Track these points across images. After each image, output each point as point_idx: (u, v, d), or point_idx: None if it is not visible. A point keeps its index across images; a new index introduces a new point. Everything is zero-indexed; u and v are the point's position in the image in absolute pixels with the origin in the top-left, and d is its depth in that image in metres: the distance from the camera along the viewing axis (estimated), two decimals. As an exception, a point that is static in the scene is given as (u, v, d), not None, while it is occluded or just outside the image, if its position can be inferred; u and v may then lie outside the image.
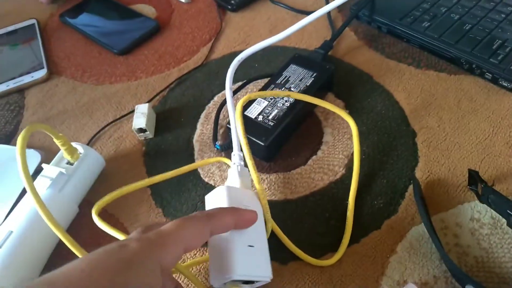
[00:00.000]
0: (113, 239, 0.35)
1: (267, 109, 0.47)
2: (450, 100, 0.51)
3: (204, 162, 0.49)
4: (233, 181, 0.40)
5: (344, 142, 0.48)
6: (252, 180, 0.40)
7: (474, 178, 0.42)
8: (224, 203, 0.35)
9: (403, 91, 0.53)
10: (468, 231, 0.40)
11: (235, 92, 0.54)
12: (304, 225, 0.43)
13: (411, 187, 0.44)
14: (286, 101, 0.48)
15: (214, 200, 0.37)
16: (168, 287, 0.30)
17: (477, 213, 0.42)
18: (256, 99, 0.49)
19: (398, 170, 0.45)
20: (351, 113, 0.51)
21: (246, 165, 0.41)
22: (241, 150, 0.41)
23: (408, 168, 0.45)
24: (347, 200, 0.43)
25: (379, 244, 0.41)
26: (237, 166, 0.41)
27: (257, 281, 0.35)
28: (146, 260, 0.26)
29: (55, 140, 0.44)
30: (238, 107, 0.42)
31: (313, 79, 0.50)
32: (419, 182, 0.44)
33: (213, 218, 0.31)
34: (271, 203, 0.44)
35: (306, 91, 0.49)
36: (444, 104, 0.51)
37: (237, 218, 0.33)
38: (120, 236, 0.38)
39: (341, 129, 0.50)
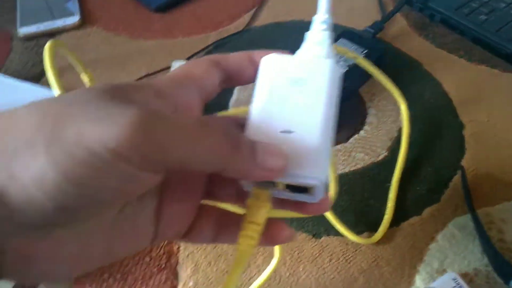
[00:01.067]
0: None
1: (313, 79, 0.45)
2: (502, 98, 0.49)
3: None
4: (302, 50, 0.24)
5: (388, 125, 0.46)
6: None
7: (526, 175, 0.40)
8: (263, 77, 0.22)
9: (453, 82, 0.50)
10: (514, 228, 0.38)
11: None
12: (341, 202, 0.41)
13: (455, 178, 0.42)
14: (334, 73, 0.46)
15: (259, 75, 0.23)
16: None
17: (524, 212, 0.40)
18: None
19: (444, 160, 0.43)
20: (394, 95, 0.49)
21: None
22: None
23: (454, 159, 0.43)
24: (389, 182, 0.41)
25: (419, 231, 0.39)
26: (312, 31, 0.24)
27: (308, 187, 0.20)
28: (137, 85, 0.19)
29: (82, 75, 0.41)
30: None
31: (363, 55, 0.48)
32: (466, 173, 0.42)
33: (215, 55, 0.22)
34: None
35: (356, 66, 0.46)
36: (495, 101, 0.48)
37: (252, 53, 0.23)
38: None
39: (386, 111, 0.47)
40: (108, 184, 0.16)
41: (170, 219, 0.21)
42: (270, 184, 0.21)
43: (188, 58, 0.55)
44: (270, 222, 0.21)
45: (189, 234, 0.22)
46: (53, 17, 0.61)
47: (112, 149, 0.15)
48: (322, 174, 0.20)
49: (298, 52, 0.24)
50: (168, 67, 0.53)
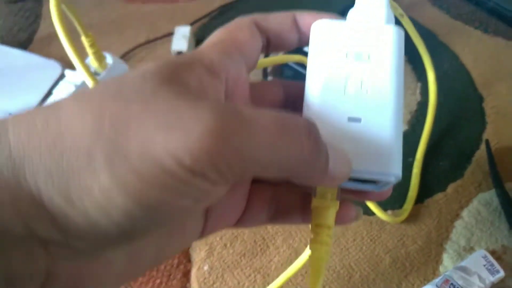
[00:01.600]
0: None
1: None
2: (519, 70, 0.47)
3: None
4: (356, 12, 0.20)
5: (407, 98, 0.44)
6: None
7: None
8: (316, 51, 0.19)
9: (470, 54, 0.49)
10: (539, 205, 0.37)
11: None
12: (361, 177, 0.39)
13: (478, 152, 0.40)
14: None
15: (311, 46, 0.19)
16: (269, 96, 0.21)
17: (548, 187, 0.38)
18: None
19: (465, 134, 0.42)
20: (415, 69, 0.47)
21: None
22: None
23: (476, 132, 0.42)
24: (411, 157, 0.39)
25: (444, 207, 0.37)
26: None
27: (370, 180, 0.18)
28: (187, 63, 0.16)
29: (83, 38, 0.38)
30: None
31: (381, 23, 0.45)
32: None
33: (255, 15, 0.19)
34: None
35: (373, 35, 0.44)
36: (512, 73, 0.47)
37: (296, 14, 0.20)
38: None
39: (405, 83, 0.45)
40: (180, 204, 0.13)
41: (220, 212, 0.19)
42: None
43: (192, 24, 0.51)
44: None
45: (241, 220, 0.20)
46: (40, -22, 0.56)
47: (187, 166, 0.12)
48: (398, 169, 0.17)
49: (351, 14, 0.20)
50: (170, 33, 0.49)
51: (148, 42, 0.49)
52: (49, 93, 0.41)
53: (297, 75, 0.41)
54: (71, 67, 0.43)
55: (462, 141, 0.41)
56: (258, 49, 0.19)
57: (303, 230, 0.35)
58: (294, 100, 0.20)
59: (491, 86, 0.46)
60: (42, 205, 0.12)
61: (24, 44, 0.50)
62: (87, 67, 0.29)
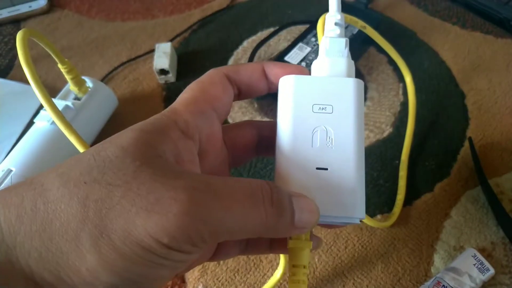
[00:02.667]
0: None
1: (311, 55, 0.43)
2: (499, 64, 0.48)
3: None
4: (319, 66, 0.22)
5: (390, 99, 0.44)
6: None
7: (535, 143, 0.39)
8: (285, 105, 0.20)
9: (449, 50, 0.49)
10: (525, 199, 0.38)
11: (266, 39, 0.49)
12: (349, 183, 0.39)
13: (463, 149, 0.41)
14: (331, 49, 0.43)
15: (279, 99, 0.21)
16: (243, 139, 0.22)
17: (533, 180, 0.39)
18: (297, 44, 0.44)
19: (449, 131, 0.42)
20: (396, 70, 0.47)
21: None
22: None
23: (459, 129, 0.42)
24: (397, 160, 0.40)
25: (432, 208, 0.37)
26: (327, 38, 0.21)
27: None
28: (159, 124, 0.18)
29: (59, 65, 0.37)
30: (320, 22, 0.29)
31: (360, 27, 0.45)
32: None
33: (227, 66, 0.21)
34: (313, 159, 0.40)
35: (352, 39, 0.44)
36: (492, 67, 0.47)
37: (265, 65, 0.21)
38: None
39: (387, 85, 0.46)
40: (161, 274, 0.15)
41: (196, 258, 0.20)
42: None
43: (172, 40, 0.51)
44: None
45: (216, 255, 0.21)
46: (17, 2, 0.56)
47: (165, 244, 0.14)
48: (362, 212, 0.19)
49: (314, 66, 0.21)
50: (152, 50, 0.49)
51: (130, 60, 0.49)
52: (31, 122, 0.41)
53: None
54: (55, 92, 0.43)
55: (446, 139, 0.42)
56: (230, 101, 0.20)
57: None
58: (267, 140, 0.22)
59: (471, 81, 0.46)
60: (33, 281, 0.14)
61: (5, 70, 0.50)
62: (55, 108, 0.29)
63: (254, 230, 0.17)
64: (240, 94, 0.21)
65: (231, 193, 0.16)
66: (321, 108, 0.20)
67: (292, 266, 0.19)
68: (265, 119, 0.43)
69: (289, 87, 0.20)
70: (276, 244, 0.22)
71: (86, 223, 0.14)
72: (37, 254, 0.14)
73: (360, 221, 0.20)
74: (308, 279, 0.19)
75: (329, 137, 0.19)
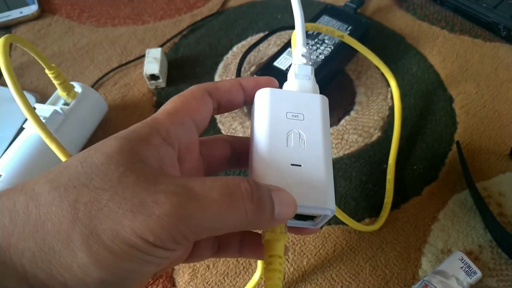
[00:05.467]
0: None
1: (300, 61, 0.43)
2: (487, 68, 0.48)
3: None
4: (290, 86, 0.26)
5: (378, 103, 0.45)
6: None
7: (521, 146, 0.39)
8: (262, 111, 0.23)
9: (438, 55, 0.49)
10: (512, 201, 0.38)
11: (256, 44, 0.49)
12: (338, 188, 0.39)
13: (451, 153, 0.41)
14: (320, 53, 0.44)
15: (255, 108, 0.24)
16: (217, 152, 0.24)
17: (520, 183, 0.39)
18: (287, 49, 0.44)
19: (437, 135, 0.42)
20: (384, 75, 0.47)
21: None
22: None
23: (447, 133, 0.43)
24: (385, 164, 0.40)
25: (420, 211, 0.38)
26: (295, 65, 0.26)
27: (311, 215, 0.22)
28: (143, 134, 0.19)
29: (47, 71, 0.37)
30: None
31: (348, 32, 0.46)
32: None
33: (207, 83, 0.23)
34: (302, 163, 0.41)
35: (341, 44, 0.45)
36: (481, 71, 0.48)
37: (239, 78, 0.24)
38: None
39: (375, 89, 0.46)
40: (147, 269, 0.17)
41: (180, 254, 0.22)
42: None
43: (162, 45, 0.51)
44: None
45: (190, 257, 0.23)
46: (8, 8, 0.56)
47: (151, 242, 0.16)
48: (333, 204, 0.21)
49: (286, 86, 0.25)
50: (142, 55, 0.49)
51: (121, 65, 0.50)
52: (22, 128, 0.41)
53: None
54: (46, 97, 0.43)
55: (434, 143, 0.42)
56: (209, 115, 0.22)
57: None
58: (239, 153, 0.24)
59: (460, 85, 0.47)
60: (26, 281, 0.15)
61: (-5, 76, 0.50)
62: (35, 116, 0.29)
63: (235, 226, 0.18)
64: (220, 108, 0.23)
65: (208, 194, 0.17)
66: (294, 115, 0.23)
67: (268, 257, 0.20)
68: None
69: (265, 98, 0.23)
70: (246, 249, 0.24)
71: (76, 223, 0.15)
72: (30, 254, 0.15)
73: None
74: (283, 269, 0.21)
75: (302, 139, 0.22)
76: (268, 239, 0.20)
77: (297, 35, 0.28)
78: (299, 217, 0.22)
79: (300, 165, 0.21)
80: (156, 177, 0.17)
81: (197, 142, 0.22)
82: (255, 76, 0.25)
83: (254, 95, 0.24)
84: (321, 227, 0.25)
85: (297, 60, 0.26)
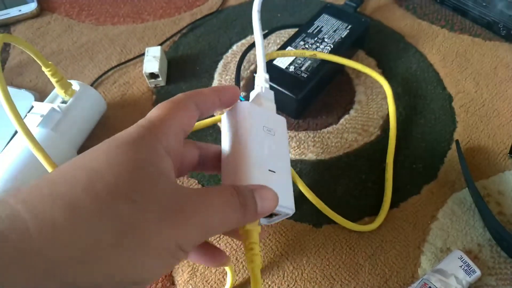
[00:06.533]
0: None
1: (300, 59, 0.43)
2: (486, 66, 0.48)
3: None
4: (257, 103, 0.31)
5: (378, 102, 0.45)
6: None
7: (520, 145, 0.39)
8: (245, 121, 0.27)
9: (437, 53, 0.49)
10: (511, 200, 0.38)
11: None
12: (338, 187, 0.39)
13: (450, 152, 0.41)
14: (321, 51, 0.44)
15: (234, 117, 0.27)
16: (189, 157, 0.27)
17: (519, 182, 0.39)
18: (286, 48, 0.44)
19: (437, 134, 0.42)
20: (384, 73, 0.47)
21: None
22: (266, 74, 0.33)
23: (447, 132, 0.43)
24: (385, 162, 0.40)
25: (419, 210, 0.38)
26: (261, 87, 0.32)
27: (276, 214, 0.28)
28: (144, 143, 0.21)
29: (43, 68, 0.37)
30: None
31: (348, 31, 0.46)
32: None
33: (193, 93, 0.25)
34: (302, 163, 0.41)
35: (341, 43, 0.45)
36: (480, 70, 0.48)
37: (217, 90, 0.26)
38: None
39: (375, 88, 0.46)
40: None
41: None
42: None
43: (162, 43, 0.51)
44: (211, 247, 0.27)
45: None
46: (6, 6, 0.56)
47: (184, 250, 0.20)
48: (294, 206, 0.27)
49: (254, 102, 0.31)
50: (142, 54, 0.49)
51: (120, 64, 0.49)
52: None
53: (281, 71, 0.41)
54: (45, 95, 0.43)
55: (433, 142, 0.42)
56: (194, 122, 0.25)
57: (285, 245, 0.36)
58: (205, 158, 0.28)
59: (459, 84, 0.47)
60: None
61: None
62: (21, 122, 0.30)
63: (232, 227, 0.22)
64: (202, 115, 0.25)
65: (214, 204, 0.21)
66: (268, 130, 0.28)
67: (250, 243, 0.24)
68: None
69: (247, 110, 0.28)
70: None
71: (125, 235, 0.17)
72: (75, 261, 0.16)
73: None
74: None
75: (274, 150, 0.27)
76: (248, 229, 0.24)
77: (259, 63, 0.34)
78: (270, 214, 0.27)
79: (275, 172, 0.26)
80: (161, 175, 0.20)
81: (181, 147, 0.24)
82: (228, 85, 0.32)
83: (227, 104, 0.27)
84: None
85: (262, 83, 0.32)
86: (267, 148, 0.27)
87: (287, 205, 0.27)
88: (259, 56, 0.34)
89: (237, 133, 0.26)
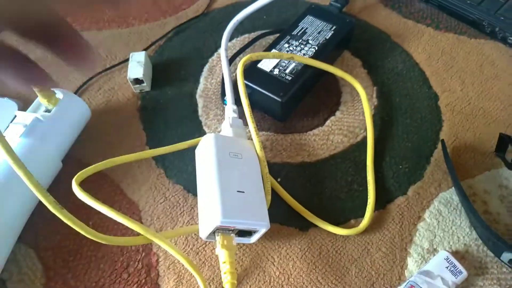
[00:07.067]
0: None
1: (284, 61, 0.43)
2: (471, 64, 0.48)
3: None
4: (226, 132, 0.38)
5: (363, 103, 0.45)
6: (248, 132, 0.39)
7: (505, 142, 0.39)
8: (210, 151, 0.33)
9: (423, 52, 0.49)
10: (497, 198, 0.38)
11: (244, 48, 0.49)
12: (324, 189, 0.39)
13: (436, 152, 0.41)
14: (304, 54, 0.43)
15: (203, 149, 0.34)
16: None
17: (505, 180, 0.39)
18: (271, 50, 0.44)
19: (423, 134, 0.42)
20: (370, 73, 0.47)
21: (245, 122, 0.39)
22: (241, 104, 0.39)
23: (433, 132, 0.43)
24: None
25: (405, 210, 0.38)
26: (229, 118, 0.38)
27: (253, 231, 0.32)
28: None
29: None
30: (240, 66, 0.39)
31: (332, 32, 0.45)
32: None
33: None
34: (288, 166, 0.40)
35: (325, 44, 0.44)
36: (466, 68, 0.48)
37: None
38: (106, 210, 0.31)
39: (361, 88, 0.46)
40: None
41: None
42: (230, 231, 0.31)
43: (147, 48, 0.51)
44: None
45: None
46: (-10, 13, 0.55)
47: None
48: (268, 220, 0.30)
49: (224, 131, 0.38)
50: (127, 59, 0.49)
51: (105, 70, 0.49)
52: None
53: (266, 74, 0.41)
54: (29, 103, 0.43)
55: (419, 142, 0.42)
56: None
57: (271, 249, 0.36)
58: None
59: (445, 83, 0.47)
60: None
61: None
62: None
63: None
64: None
65: None
66: (234, 155, 0.33)
67: (228, 262, 0.28)
68: (240, 126, 0.43)
69: (211, 142, 0.33)
70: None
71: None
72: None
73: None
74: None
75: (242, 172, 0.31)
76: (223, 249, 0.29)
77: (227, 96, 0.40)
78: (241, 233, 0.31)
79: (244, 192, 0.30)
80: None
81: None
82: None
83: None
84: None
85: (231, 114, 0.38)
86: (235, 171, 0.31)
87: (260, 221, 0.30)
88: (227, 90, 0.40)
89: (205, 163, 0.32)
